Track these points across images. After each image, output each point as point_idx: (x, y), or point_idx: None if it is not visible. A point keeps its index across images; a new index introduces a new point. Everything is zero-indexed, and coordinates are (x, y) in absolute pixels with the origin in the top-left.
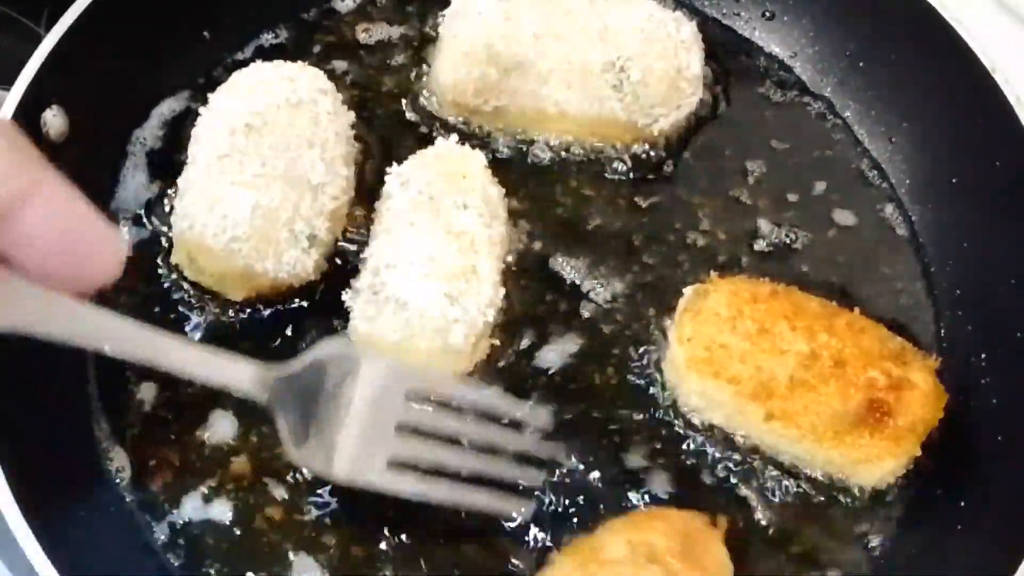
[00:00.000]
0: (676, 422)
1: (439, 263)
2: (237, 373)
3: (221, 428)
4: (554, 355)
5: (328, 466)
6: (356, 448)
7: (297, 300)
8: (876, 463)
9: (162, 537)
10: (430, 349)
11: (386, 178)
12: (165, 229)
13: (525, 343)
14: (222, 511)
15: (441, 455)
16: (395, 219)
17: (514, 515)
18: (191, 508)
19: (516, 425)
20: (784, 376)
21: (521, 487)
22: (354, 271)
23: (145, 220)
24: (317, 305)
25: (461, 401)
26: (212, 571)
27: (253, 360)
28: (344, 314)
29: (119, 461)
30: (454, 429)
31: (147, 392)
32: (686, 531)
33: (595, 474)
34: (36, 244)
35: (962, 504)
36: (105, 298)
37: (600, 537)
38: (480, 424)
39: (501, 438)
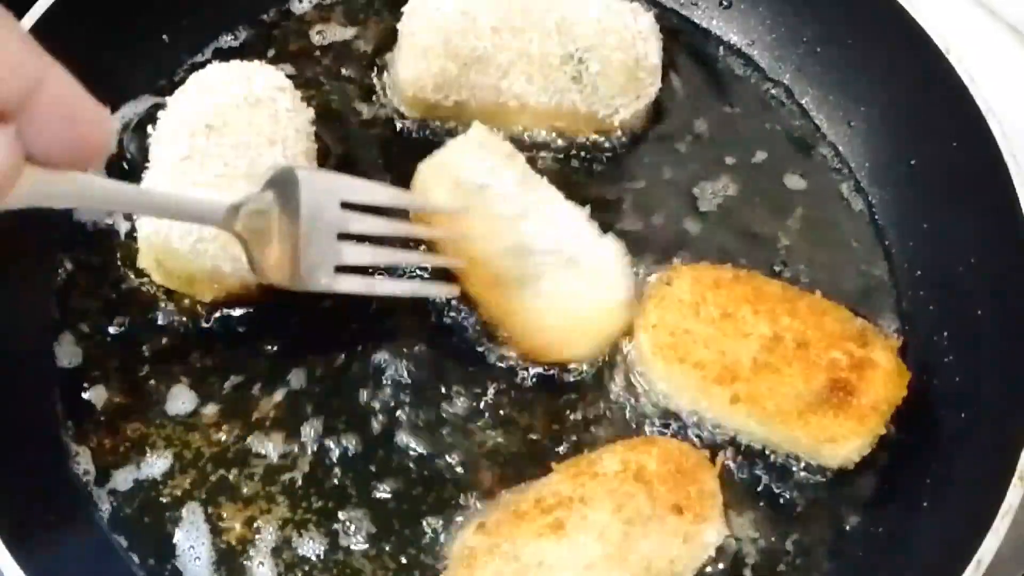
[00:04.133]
0: (643, 408)
1: None
2: (208, 211)
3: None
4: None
5: (287, 278)
6: (307, 258)
7: (268, 298)
8: (841, 442)
9: (124, 541)
10: None
11: None
12: (131, 233)
13: (490, 332)
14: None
15: (380, 255)
16: None
17: (445, 296)
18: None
19: None
20: (748, 359)
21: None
22: None
23: (110, 225)
24: (287, 302)
25: (387, 204)
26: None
27: (217, 200)
28: (316, 311)
29: (84, 464)
30: (385, 230)
31: (97, 395)
32: (680, 460)
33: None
34: (44, 131)
35: (928, 481)
36: (73, 302)
37: (599, 454)
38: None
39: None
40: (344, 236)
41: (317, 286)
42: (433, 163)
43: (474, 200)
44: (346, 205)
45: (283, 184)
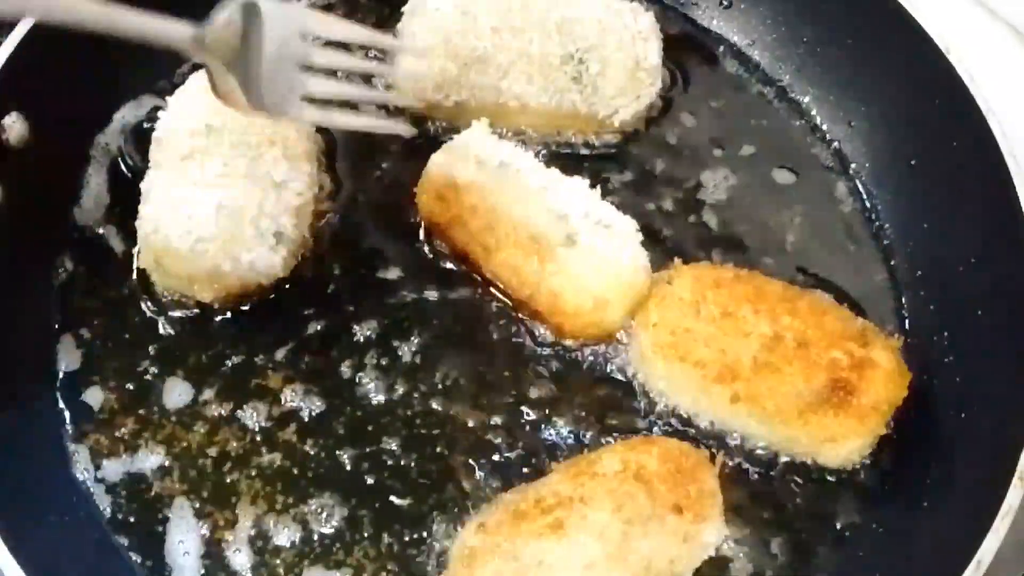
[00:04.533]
0: (642, 406)
1: None
2: (175, 35)
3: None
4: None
5: (249, 105)
6: (270, 86)
7: (268, 297)
8: (841, 442)
9: (124, 541)
10: None
11: None
12: (130, 234)
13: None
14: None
15: (342, 89)
16: None
17: (404, 133)
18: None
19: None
20: (748, 358)
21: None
22: (323, 267)
23: (109, 225)
24: (288, 301)
25: (346, 37)
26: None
27: (184, 24)
28: (320, 310)
29: (84, 464)
30: (345, 65)
31: (96, 395)
32: (680, 460)
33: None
34: None
35: (928, 481)
36: (73, 303)
37: (599, 454)
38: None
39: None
40: (309, 68)
41: (278, 114)
42: (449, 148)
43: (498, 175)
44: (315, 40)
45: (247, 12)
